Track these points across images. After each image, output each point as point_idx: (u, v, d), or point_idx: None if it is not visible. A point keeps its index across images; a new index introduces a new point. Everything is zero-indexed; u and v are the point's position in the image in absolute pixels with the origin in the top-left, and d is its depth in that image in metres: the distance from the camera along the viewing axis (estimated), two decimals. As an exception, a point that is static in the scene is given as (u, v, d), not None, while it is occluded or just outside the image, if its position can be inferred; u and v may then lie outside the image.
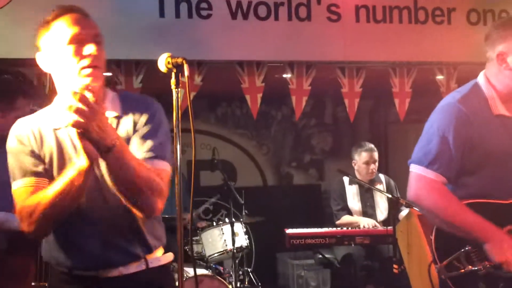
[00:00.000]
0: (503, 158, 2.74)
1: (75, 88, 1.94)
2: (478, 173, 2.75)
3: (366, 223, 5.71)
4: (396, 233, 4.71)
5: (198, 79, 5.31)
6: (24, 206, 2.15)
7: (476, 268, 2.62)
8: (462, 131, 2.70)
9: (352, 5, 5.64)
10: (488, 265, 2.60)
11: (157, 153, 2.22)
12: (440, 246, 2.75)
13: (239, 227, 5.64)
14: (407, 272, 4.66)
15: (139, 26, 4.92)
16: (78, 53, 2.17)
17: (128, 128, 2.26)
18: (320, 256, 6.05)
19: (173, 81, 2.00)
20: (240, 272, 5.87)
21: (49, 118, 2.29)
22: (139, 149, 2.22)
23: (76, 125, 1.90)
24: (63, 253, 2.28)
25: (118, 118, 2.27)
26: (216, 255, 5.52)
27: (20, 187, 2.22)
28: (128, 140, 2.24)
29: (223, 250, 5.50)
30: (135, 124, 2.26)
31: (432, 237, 2.78)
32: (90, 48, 2.17)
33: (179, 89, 2.02)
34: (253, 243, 6.01)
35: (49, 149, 2.23)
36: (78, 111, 1.88)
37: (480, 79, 2.88)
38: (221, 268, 5.62)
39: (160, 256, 2.39)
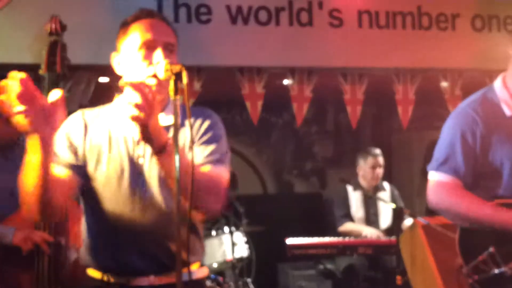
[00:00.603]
0: None
1: (138, 82, 1.91)
2: (497, 176, 2.76)
3: (369, 232, 5.64)
4: (400, 243, 4.67)
5: (197, 85, 5.29)
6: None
7: (502, 270, 2.62)
8: (470, 137, 2.75)
9: (355, 11, 5.60)
10: None
11: (218, 158, 2.24)
12: (465, 248, 2.76)
13: (239, 237, 5.58)
14: (411, 283, 4.60)
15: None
16: (147, 60, 2.20)
17: (187, 135, 2.24)
18: (322, 266, 6.01)
19: (171, 88, 1.93)
20: (240, 282, 5.80)
21: (106, 116, 2.32)
22: (200, 154, 2.23)
23: (135, 119, 1.87)
24: (98, 256, 2.28)
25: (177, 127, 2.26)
26: (215, 265, 5.45)
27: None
28: (189, 146, 2.21)
29: (223, 260, 5.43)
30: (195, 131, 2.28)
31: (456, 240, 2.79)
32: (157, 56, 2.18)
33: (178, 96, 1.95)
34: (253, 253, 5.94)
35: (97, 147, 2.25)
36: (138, 106, 1.84)
37: (497, 82, 2.90)
38: (220, 278, 5.56)
39: (195, 270, 2.37)
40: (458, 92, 6.03)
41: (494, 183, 2.77)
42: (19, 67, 4.26)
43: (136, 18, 2.29)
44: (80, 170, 2.22)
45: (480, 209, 2.70)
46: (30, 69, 2.54)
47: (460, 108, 2.91)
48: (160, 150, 1.97)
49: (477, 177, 2.78)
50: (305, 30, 5.45)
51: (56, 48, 3.40)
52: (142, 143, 2.17)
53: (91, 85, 5.19)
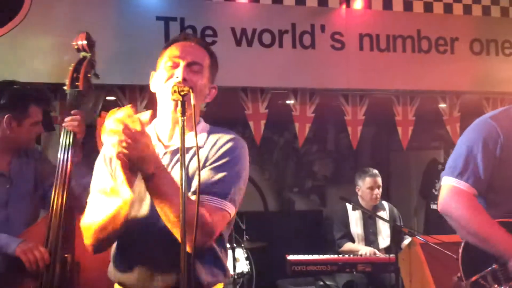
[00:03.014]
0: None
1: (119, 117, 1.92)
2: (508, 191, 2.77)
3: (365, 251, 5.68)
4: (398, 261, 4.70)
5: (202, 105, 5.30)
6: (83, 222, 2.22)
7: None
8: (491, 146, 2.75)
9: (356, 34, 5.68)
10: None
11: (219, 190, 2.18)
12: (467, 263, 2.75)
13: (240, 253, 5.62)
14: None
15: (144, 52, 4.94)
16: (170, 76, 2.27)
17: (204, 157, 2.25)
18: (322, 283, 6.02)
19: (179, 109, 2.00)
20: (241, 298, 5.83)
21: None
22: (204, 180, 2.18)
23: (118, 156, 1.92)
24: (118, 269, 2.31)
25: (199, 148, 2.22)
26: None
27: (91, 200, 2.27)
28: (203, 166, 2.23)
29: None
30: (210, 156, 2.25)
31: (459, 253, 2.78)
32: (177, 72, 2.26)
33: (185, 117, 2.01)
34: (253, 269, 5.98)
35: None
36: (121, 142, 1.89)
37: None
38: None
39: None
40: (457, 114, 6.11)
41: (503, 197, 2.78)
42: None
43: (174, 40, 2.38)
44: None
45: (491, 229, 2.67)
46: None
47: (481, 119, 2.87)
48: (145, 179, 2.00)
49: (488, 189, 2.78)
50: (308, 52, 5.52)
51: (81, 65, 3.37)
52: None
53: (99, 104, 5.25)
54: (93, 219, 2.17)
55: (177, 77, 2.23)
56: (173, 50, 2.32)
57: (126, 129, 1.89)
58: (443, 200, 2.81)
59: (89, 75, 3.42)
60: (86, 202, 2.30)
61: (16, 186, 3.46)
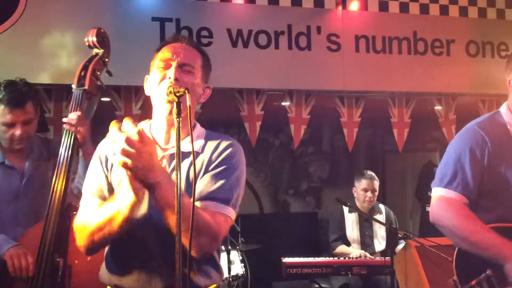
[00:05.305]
0: None
1: (124, 128, 1.93)
2: (498, 198, 2.77)
3: (356, 253, 5.65)
4: (394, 263, 4.70)
5: (197, 106, 5.29)
6: (76, 223, 2.22)
7: None
8: (478, 153, 2.76)
9: (352, 35, 5.69)
10: None
11: (222, 196, 2.22)
12: (461, 268, 2.74)
13: (235, 255, 5.61)
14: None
15: (139, 53, 4.92)
16: (162, 77, 2.27)
17: (202, 164, 2.27)
18: (317, 285, 6.01)
19: (174, 110, 1.98)
20: (236, 300, 5.81)
21: None
22: (206, 186, 2.22)
23: (123, 165, 1.91)
24: (113, 272, 2.30)
25: (197, 154, 2.29)
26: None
27: (84, 203, 2.30)
28: (201, 174, 2.25)
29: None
30: (210, 162, 2.27)
31: (453, 260, 2.77)
32: (170, 73, 2.26)
33: (180, 118, 2.00)
34: (249, 271, 5.96)
35: (118, 175, 2.25)
36: (124, 153, 1.89)
37: (502, 107, 2.94)
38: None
39: None
40: (452, 116, 6.13)
41: (494, 203, 2.78)
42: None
43: (165, 43, 2.38)
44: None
45: (484, 235, 2.67)
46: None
47: (467, 127, 2.89)
48: (149, 188, 1.99)
49: (479, 196, 2.78)
50: (304, 54, 5.53)
51: (90, 62, 3.31)
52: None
53: (94, 105, 5.23)
54: (88, 220, 2.16)
55: (169, 78, 2.23)
56: (164, 52, 2.32)
57: (129, 140, 1.89)
58: (434, 211, 2.82)
59: (98, 73, 3.35)
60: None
61: (28, 180, 3.44)
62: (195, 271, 2.26)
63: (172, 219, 2.00)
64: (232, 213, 2.25)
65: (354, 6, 5.72)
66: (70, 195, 3.15)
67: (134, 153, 1.90)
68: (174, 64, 2.27)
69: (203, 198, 2.19)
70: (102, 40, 3.40)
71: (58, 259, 3.07)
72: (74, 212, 2.64)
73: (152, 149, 1.98)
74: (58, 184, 3.09)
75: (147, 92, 2.38)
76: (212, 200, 2.20)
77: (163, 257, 2.19)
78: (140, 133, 1.92)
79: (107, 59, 3.40)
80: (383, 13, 5.83)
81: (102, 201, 2.25)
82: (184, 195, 2.03)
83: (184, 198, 2.01)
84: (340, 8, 5.69)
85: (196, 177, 2.09)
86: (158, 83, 2.27)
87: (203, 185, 2.22)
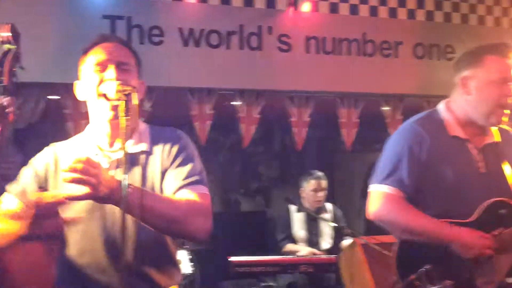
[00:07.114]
0: (458, 179, 2.80)
1: (78, 159, 1.87)
2: (437, 194, 2.81)
3: (305, 251, 5.70)
4: (340, 261, 4.73)
5: (147, 105, 5.28)
6: None
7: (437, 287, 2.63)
8: (416, 150, 2.80)
9: (303, 36, 5.75)
10: (448, 284, 2.63)
11: (196, 179, 2.23)
12: (401, 265, 2.77)
13: (183, 254, 5.58)
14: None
15: (89, 50, 4.89)
16: (100, 79, 2.21)
17: (158, 162, 2.25)
18: (264, 284, 6.02)
19: (123, 109, 1.97)
20: (184, 299, 5.79)
21: (75, 149, 2.30)
22: (176, 179, 2.22)
23: (89, 197, 1.89)
24: (71, 276, 2.22)
25: (147, 153, 2.26)
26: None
27: (6, 200, 2.23)
28: (161, 173, 2.24)
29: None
30: (166, 157, 2.26)
31: (393, 257, 2.80)
32: (109, 74, 2.20)
33: (128, 116, 1.99)
34: (197, 270, 5.93)
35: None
36: (87, 183, 1.85)
37: (440, 105, 2.99)
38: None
39: None
40: (399, 117, 6.22)
41: (432, 200, 2.81)
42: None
43: (94, 44, 2.32)
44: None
45: (423, 221, 2.72)
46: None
47: (406, 124, 2.94)
48: (116, 204, 1.95)
49: (417, 192, 2.80)
50: (255, 53, 5.57)
51: (5, 58, 3.27)
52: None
53: (41, 103, 5.14)
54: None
55: (111, 78, 2.19)
56: (98, 54, 2.26)
57: (86, 170, 1.85)
58: (373, 208, 2.85)
59: (14, 69, 3.30)
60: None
61: None
62: (156, 272, 2.25)
63: (153, 223, 2.05)
64: (207, 191, 2.27)
65: (305, 7, 5.77)
66: None
67: (94, 180, 1.86)
68: (112, 64, 2.23)
69: (182, 187, 2.19)
70: (13, 35, 3.38)
71: None
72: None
73: (100, 168, 1.93)
74: None
75: (81, 98, 2.32)
76: (191, 185, 2.21)
77: (117, 259, 2.13)
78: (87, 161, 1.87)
79: (20, 55, 3.38)
80: (333, 14, 5.91)
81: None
82: (145, 194, 2.03)
83: (147, 197, 2.02)
84: (291, 9, 5.73)
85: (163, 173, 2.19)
86: (97, 85, 2.21)
87: (174, 179, 2.22)
